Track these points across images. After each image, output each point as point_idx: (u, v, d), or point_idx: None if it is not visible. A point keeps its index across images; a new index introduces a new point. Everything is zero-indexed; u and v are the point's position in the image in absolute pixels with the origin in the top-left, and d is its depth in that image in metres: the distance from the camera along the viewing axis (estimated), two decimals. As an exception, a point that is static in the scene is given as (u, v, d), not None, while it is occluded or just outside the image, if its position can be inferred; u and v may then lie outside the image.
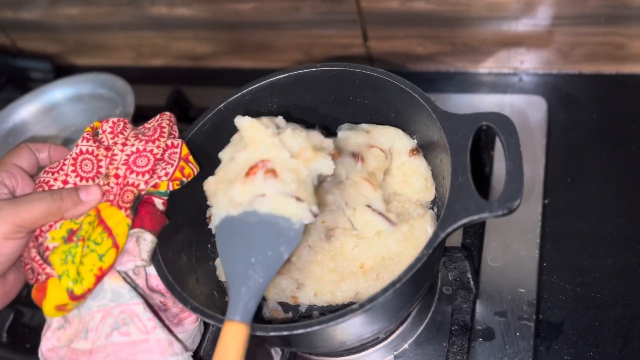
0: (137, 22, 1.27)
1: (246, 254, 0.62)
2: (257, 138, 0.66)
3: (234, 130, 0.83)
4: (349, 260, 0.74)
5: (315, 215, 0.64)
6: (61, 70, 1.40)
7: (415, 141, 0.80)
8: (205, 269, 0.79)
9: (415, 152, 0.79)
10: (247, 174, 0.63)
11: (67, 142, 1.17)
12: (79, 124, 1.15)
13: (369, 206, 0.75)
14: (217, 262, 0.81)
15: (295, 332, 0.57)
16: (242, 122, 0.67)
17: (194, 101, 1.22)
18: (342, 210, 0.78)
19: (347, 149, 0.80)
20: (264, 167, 0.63)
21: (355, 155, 0.79)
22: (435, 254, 0.64)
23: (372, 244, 0.74)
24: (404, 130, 0.81)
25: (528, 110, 1.01)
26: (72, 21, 1.33)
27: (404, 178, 0.79)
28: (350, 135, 0.81)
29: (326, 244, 0.76)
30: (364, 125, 0.84)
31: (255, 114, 0.83)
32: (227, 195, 0.65)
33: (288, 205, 0.63)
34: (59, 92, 1.11)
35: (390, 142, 0.81)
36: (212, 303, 0.74)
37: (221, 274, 0.80)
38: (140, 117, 1.15)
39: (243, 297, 0.60)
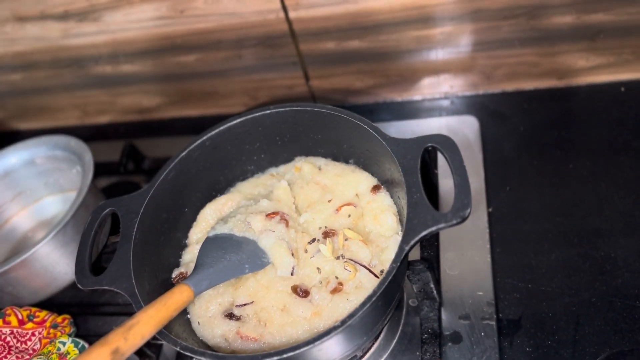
0: (81, 82, 1.29)
1: (223, 254, 0.77)
2: (284, 198, 0.85)
3: (197, 175, 0.88)
4: (324, 319, 0.73)
5: (292, 274, 0.77)
6: (4, 136, 1.39)
7: (375, 178, 0.84)
8: (181, 318, 0.80)
9: (376, 189, 0.83)
10: (269, 215, 0.81)
11: (23, 207, 1.16)
12: (34, 187, 1.15)
13: (351, 259, 0.76)
14: (190, 310, 0.82)
15: (285, 355, 0.61)
16: (281, 184, 0.86)
17: (147, 152, 1.24)
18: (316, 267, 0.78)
19: (317, 233, 0.81)
20: (282, 216, 0.81)
21: (326, 235, 0.80)
22: (402, 268, 0.70)
23: (347, 298, 0.73)
24: (357, 162, 0.86)
25: (462, 129, 1.10)
26: (14, 87, 1.32)
27: (374, 215, 0.81)
28: (314, 216, 0.82)
29: (300, 304, 0.75)
30: (320, 162, 0.89)
31: (217, 157, 0.88)
32: (237, 221, 0.81)
33: (282, 252, 0.77)
34: (13, 158, 1.10)
35: (352, 188, 0.84)
36: (196, 344, 0.77)
37: (194, 320, 0.80)
38: (96, 174, 1.16)
39: (201, 276, 0.74)
